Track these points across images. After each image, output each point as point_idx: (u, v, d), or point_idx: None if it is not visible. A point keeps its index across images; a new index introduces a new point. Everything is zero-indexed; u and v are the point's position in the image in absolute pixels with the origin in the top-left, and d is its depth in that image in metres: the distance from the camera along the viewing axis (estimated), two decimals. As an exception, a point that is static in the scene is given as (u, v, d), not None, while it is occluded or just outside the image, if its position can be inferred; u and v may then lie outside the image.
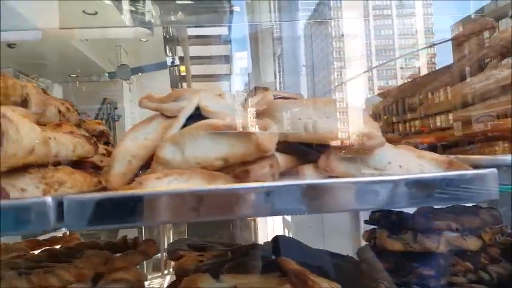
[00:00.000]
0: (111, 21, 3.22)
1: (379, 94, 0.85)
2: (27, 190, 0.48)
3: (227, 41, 3.37)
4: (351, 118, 0.54)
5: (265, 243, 0.81)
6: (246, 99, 0.76)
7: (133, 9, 3.12)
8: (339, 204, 0.46)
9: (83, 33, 3.18)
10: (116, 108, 3.74)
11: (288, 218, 2.02)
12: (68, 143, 0.58)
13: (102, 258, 0.70)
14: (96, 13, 3.09)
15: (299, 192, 0.43)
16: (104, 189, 0.60)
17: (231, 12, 2.79)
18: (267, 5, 2.29)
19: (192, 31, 3.30)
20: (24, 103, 0.69)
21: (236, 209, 0.45)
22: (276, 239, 0.79)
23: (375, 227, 0.90)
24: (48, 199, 0.45)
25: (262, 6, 2.31)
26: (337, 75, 4.05)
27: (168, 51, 3.34)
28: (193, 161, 0.55)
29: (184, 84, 3.55)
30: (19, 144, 0.46)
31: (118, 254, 0.75)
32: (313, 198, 0.43)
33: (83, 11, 3.02)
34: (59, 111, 0.77)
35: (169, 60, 1.61)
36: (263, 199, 0.43)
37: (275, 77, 2.12)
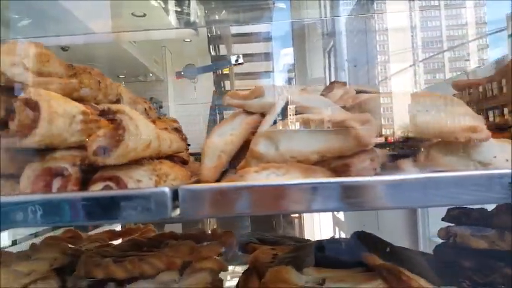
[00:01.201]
0: (158, 22, 3.34)
1: (454, 85, 0.81)
2: (143, 181, 0.52)
3: (269, 38, 3.37)
4: (452, 111, 0.52)
5: (342, 239, 0.81)
6: (323, 95, 0.76)
7: (179, 9, 3.21)
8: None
9: (132, 35, 3.32)
10: (161, 107, 3.87)
11: (340, 215, 2.00)
12: (167, 139, 0.61)
13: (189, 248, 0.74)
14: (144, 15, 3.22)
15: (420, 186, 0.43)
16: (198, 181, 0.63)
17: (275, 9, 2.79)
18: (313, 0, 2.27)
19: (234, 29, 3.35)
20: (117, 101, 0.74)
21: (358, 201, 0.45)
22: (357, 234, 0.78)
23: (451, 224, 0.87)
24: (166, 189, 0.48)
25: (309, 2, 2.29)
26: (381, 69, 3.93)
27: (211, 50, 3.41)
28: (288, 155, 0.56)
29: (227, 83, 3.61)
30: (139, 138, 0.50)
31: (204, 244, 0.78)
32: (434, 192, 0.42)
33: (132, 14, 3.16)
34: (145, 109, 0.82)
35: (233, 58, 1.63)
36: (393, 191, 0.43)
37: (325, 72, 2.10)
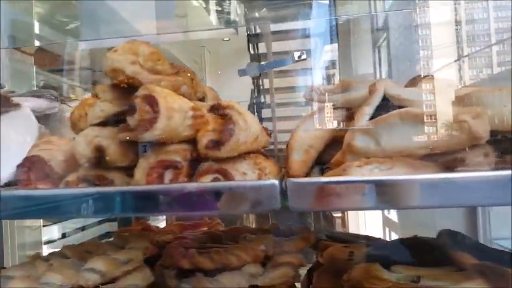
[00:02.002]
0: (199, 22, 3.40)
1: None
2: (248, 174, 0.53)
3: (309, 35, 3.34)
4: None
5: (424, 238, 0.79)
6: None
7: (220, 8, 3.26)
8: None
9: (174, 36, 3.40)
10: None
11: (392, 215, 1.94)
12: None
13: (272, 242, 0.75)
14: (185, 15, 3.29)
15: None
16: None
17: (315, 5, 2.76)
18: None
19: (273, 27, 3.34)
20: (203, 99, 0.77)
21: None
22: (444, 232, 0.76)
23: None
24: (276, 182, 0.49)
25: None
26: (424, 64, 3.78)
27: (250, 49, 3.42)
28: (391, 150, 0.55)
29: (266, 81, 3.62)
30: (248, 132, 0.51)
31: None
32: None
33: (176, 15, 3.23)
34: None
35: (296, 54, 1.64)
36: None
37: (374, 68, 2.05)
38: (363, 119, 0.61)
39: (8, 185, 0.59)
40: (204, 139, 0.52)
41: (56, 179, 0.56)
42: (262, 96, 3.61)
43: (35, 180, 0.56)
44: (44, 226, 1.76)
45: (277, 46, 3.36)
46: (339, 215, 2.94)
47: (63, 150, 0.57)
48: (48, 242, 1.84)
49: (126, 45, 0.54)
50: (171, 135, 0.51)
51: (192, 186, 0.48)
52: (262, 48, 3.62)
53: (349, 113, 0.69)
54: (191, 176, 0.54)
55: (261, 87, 3.64)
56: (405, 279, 0.63)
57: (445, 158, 0.52)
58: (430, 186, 0.46)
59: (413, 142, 0.54)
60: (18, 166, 0.56)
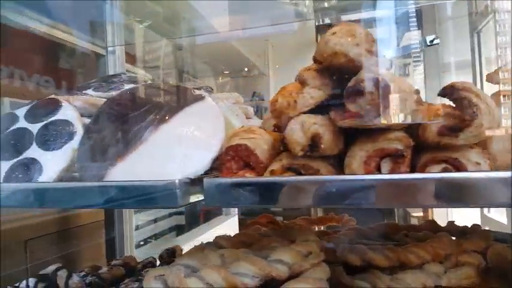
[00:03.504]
0: (262, 16, 3.37)
1: None
2: (481, 164, 0.48)
3: (383, 23, 3.17)
4: None
5: None
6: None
7: (287, 0, 3.20)
8: None
9: (242, 32, 3.41)
10: (262, 100, 3.94)
11: (500, 217, 1.77)
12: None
13: (449, 240, 0.69)
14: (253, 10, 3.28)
15: None
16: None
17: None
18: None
19: (344, 17, 3.23)
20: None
21: None
22: None
23: None
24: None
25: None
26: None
27: (319, 40, 3.35)
28: None
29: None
30: (492, 117, 0.46)
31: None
32: None
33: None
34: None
35: (428, 38, 1.56)
36: None
37: (473, 56, 1.89)
38: None
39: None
40: (434, 125, 0.48)
41: (260, 168, 0.54)
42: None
43: (236, 169, 0.55)
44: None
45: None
46: (420, 214, 2.77)
47: (265, 139, 0.56)
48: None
49: (344, 27, 0.51)
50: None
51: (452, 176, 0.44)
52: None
53: None
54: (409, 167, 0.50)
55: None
56: None
57: None
58: None
59: None
60: (221, 155, 0.56)
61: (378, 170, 0.50)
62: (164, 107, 0.62)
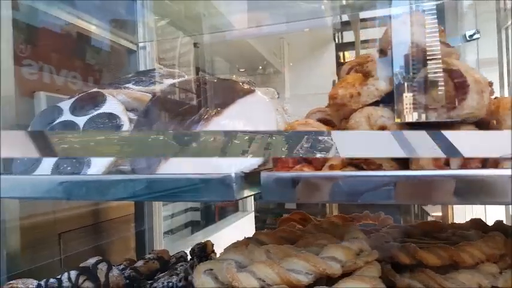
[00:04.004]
0: (279, 13, 3.35)
1: None
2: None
3: (400, 21, 3.12)
4: None
5: None
6: None
7: (305, -1, 3.18)
8: None
9: (257, 30, 3.39)
10: (278, 97, 3.90)
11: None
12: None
13: (505, 240, 0.67)
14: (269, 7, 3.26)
15: None
16: None
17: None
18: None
19: (361, 14, 3.19)
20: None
21: None
22: None
23: None
24: None
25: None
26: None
27: (336, 38, 3.31)
28: None
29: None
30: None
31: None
32: None
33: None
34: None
35: (468, 33, 1.52)
36: None
37: (500, 52, 1.84)
38: None
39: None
40: (509, 119, 0.46)
41: (318, 162, 0.53)
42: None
43: (292, 163, 0.54)
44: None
45: (367, 34, 3.21)
46: (439, 213, 2.73)
47: (324, 132, 0.54)
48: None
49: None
50: (480, 113, 0.45)
51: None
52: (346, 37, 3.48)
53: None
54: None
55: (345, 78, 3.51)
56: None
57: None
58: None
59: None
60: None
61: (447, 165, 0.48)
62: (215, 99, 0.61)
